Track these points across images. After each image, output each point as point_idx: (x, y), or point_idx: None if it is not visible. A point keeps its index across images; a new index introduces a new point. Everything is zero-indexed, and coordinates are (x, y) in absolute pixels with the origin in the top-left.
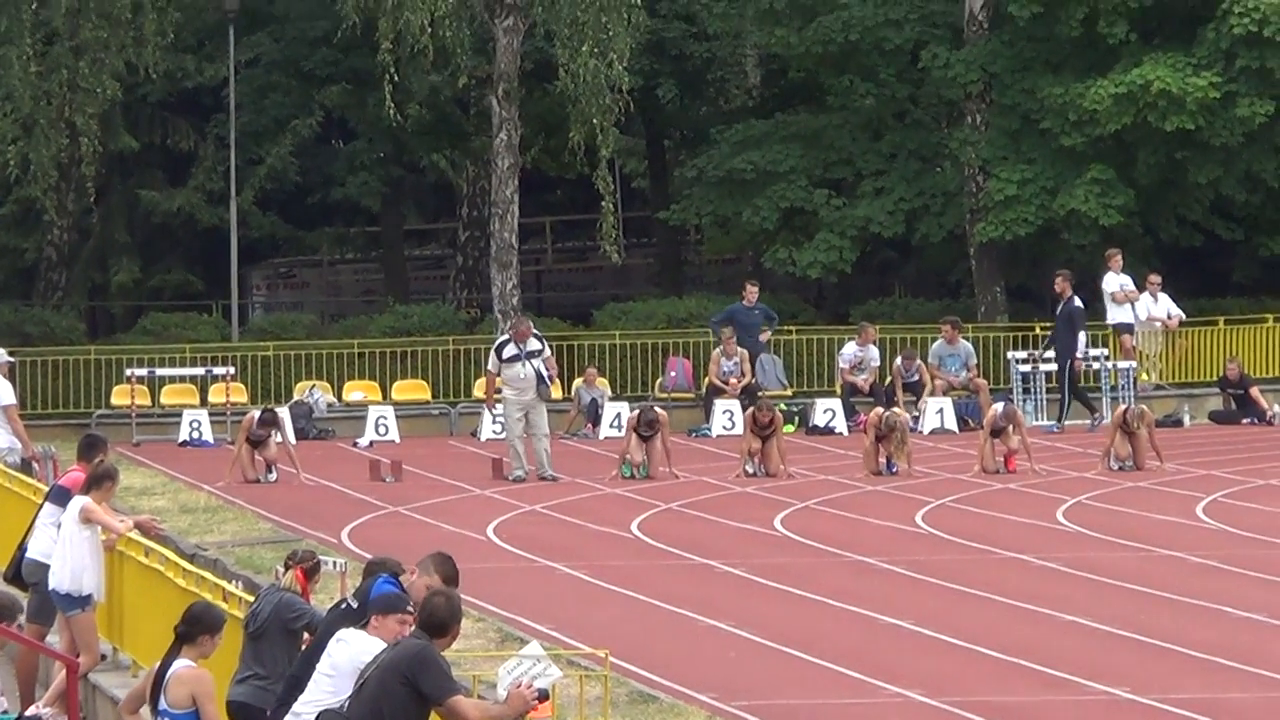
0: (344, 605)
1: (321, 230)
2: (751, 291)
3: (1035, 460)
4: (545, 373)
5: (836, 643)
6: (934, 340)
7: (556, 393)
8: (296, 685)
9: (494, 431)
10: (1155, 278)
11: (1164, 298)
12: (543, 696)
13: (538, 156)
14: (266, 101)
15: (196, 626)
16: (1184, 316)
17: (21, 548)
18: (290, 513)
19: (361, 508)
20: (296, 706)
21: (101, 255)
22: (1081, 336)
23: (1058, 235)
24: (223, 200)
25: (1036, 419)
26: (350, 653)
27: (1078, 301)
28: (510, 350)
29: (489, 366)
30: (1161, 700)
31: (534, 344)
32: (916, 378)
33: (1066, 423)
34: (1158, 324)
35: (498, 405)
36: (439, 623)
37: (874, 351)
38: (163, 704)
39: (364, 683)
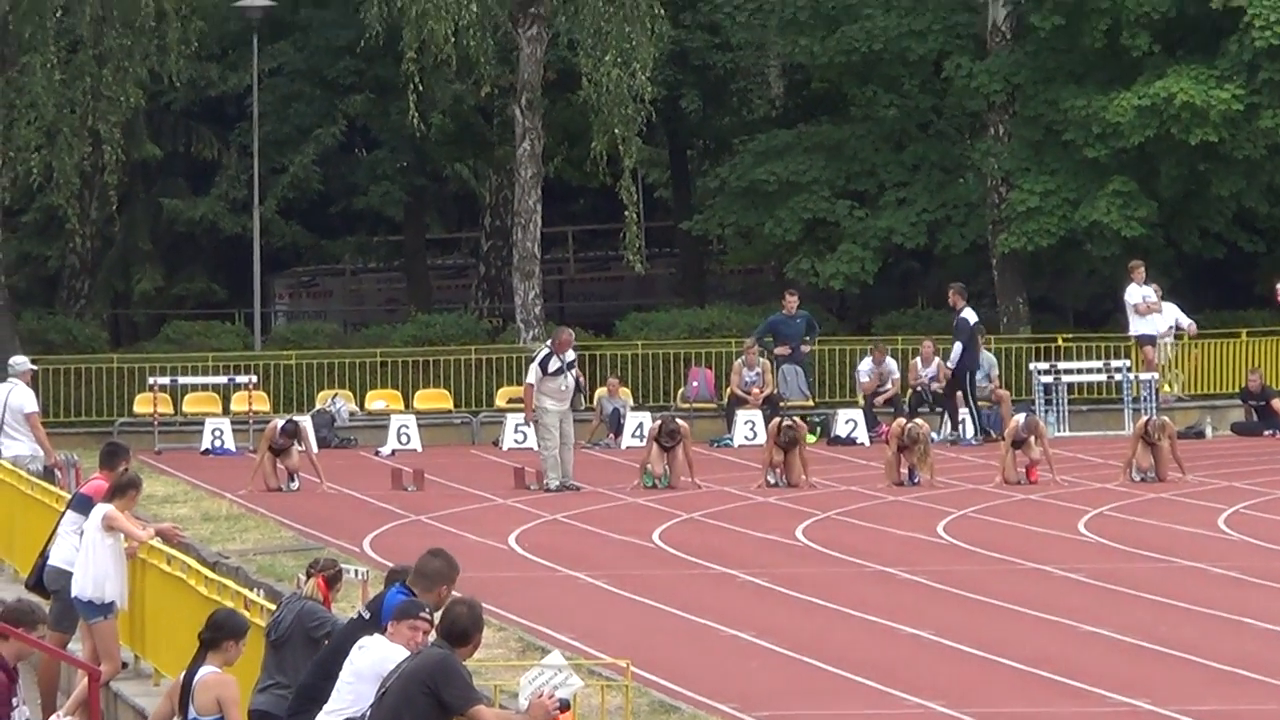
0: (356, 615)
1: (344, 239)
2: (791, 301)
3: (1057, 471)
4: (581, 383)
5: (858, 653)
6: None
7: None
8: (309, 695)
9: (516, 441)
10: (1154, 289)
11: (1169, 307)
12: (564, 706)
13: (560, 166)
14: (290, 110)
15: (221, 632)
16: (1194, 324)
17: (44, 555)
18: (312, 521)
19: (383, 516)
20: (320, 715)
21: (124, 263)
22: (957, 348)
23: (1080, 247)
24: (245, 209)
25: (1058, 430)
26: (372, 659)
27: (965, 313)
28: (554, 364)
29: (530, 380)
30: (1182, 712)
31: (571, 354)
32: (934, 373)
33: (1079, 433)
34: (1168, 339)
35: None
36: (461, 631)
37: (891, 365)
38: (191, 712)
39: (385, 691)
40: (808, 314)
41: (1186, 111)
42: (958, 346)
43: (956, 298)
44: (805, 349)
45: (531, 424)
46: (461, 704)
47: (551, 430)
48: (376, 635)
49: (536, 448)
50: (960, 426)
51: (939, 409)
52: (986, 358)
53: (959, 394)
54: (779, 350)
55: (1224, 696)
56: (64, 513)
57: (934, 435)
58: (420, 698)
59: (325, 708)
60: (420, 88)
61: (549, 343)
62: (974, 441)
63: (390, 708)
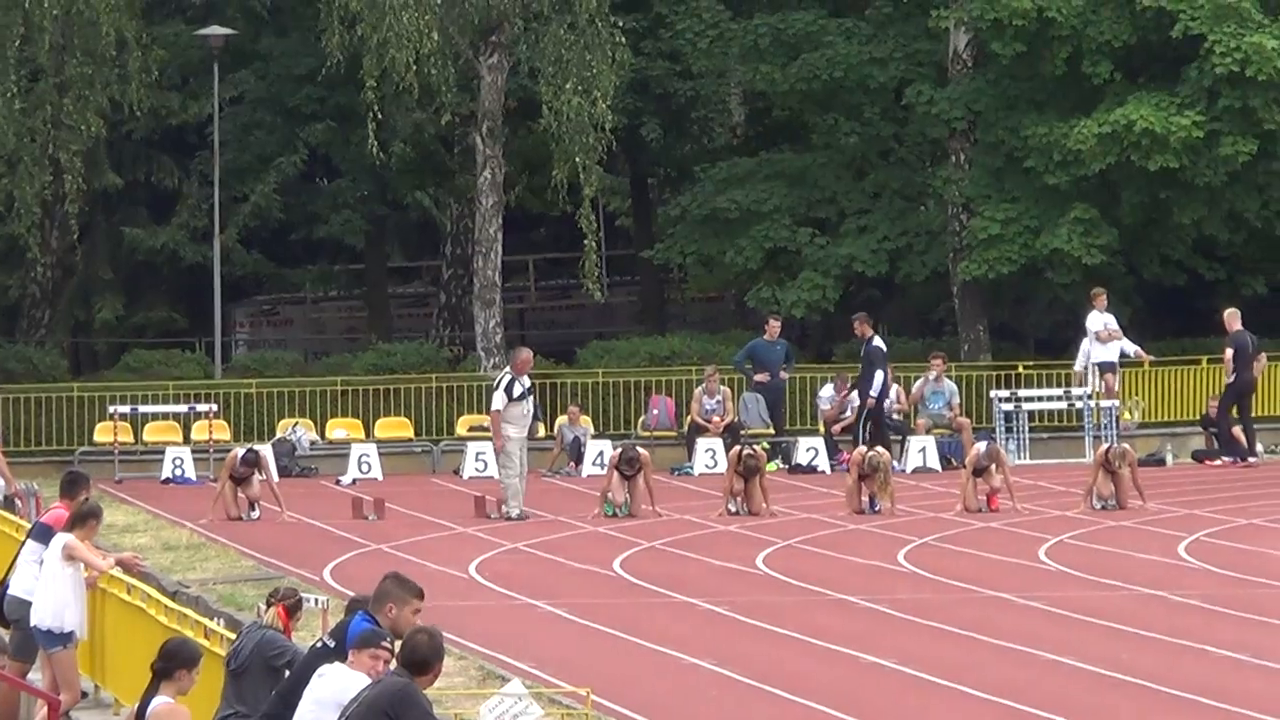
0: (320, 645)
1: (305, 268)
2: (774, 326)
3: (1018, 499)
4: (537, 409)
5: (819, 682)
6: (917, 378)
7: (539, 430)
8: None
9: (476, 469)
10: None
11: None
12: None
13: (521, 194)
14: (251, 139)
15: (173, 662)
16: (1140, 351)
17: (4, 584)
18: (273, 550)
19: (344, 545)
20: None
21: (85, 292)
22: (879, 376)
23: (1041, 274)
24: (206, 237)
25: (1019, 458)
26: (332, 688)
27: (877, 342)
28: (518, 388)
29: (496, 406)
30: None
31: (526, 380)
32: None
33: (1040, 461)
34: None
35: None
36: (420, 660)
37: (853, 396)
38: None
39: (346, 719)
40: (786, 342)
41: (1147, 138)
42: (879, 375)
43: (864, 326)
44: (784, 375)
45: (507, 451)
46: None
47: (513, 457)
48: (336, 664)
49: (498, 476)
50: (904, 454)
51: (897, 437)
52: (948, 385)
53: (860, 421)
54: (759, 376)
55: None
56: (24, 542)
57: (895, 465)
58: None
59: None
60: (380, 116)
61: (508, 366)
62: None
63: None
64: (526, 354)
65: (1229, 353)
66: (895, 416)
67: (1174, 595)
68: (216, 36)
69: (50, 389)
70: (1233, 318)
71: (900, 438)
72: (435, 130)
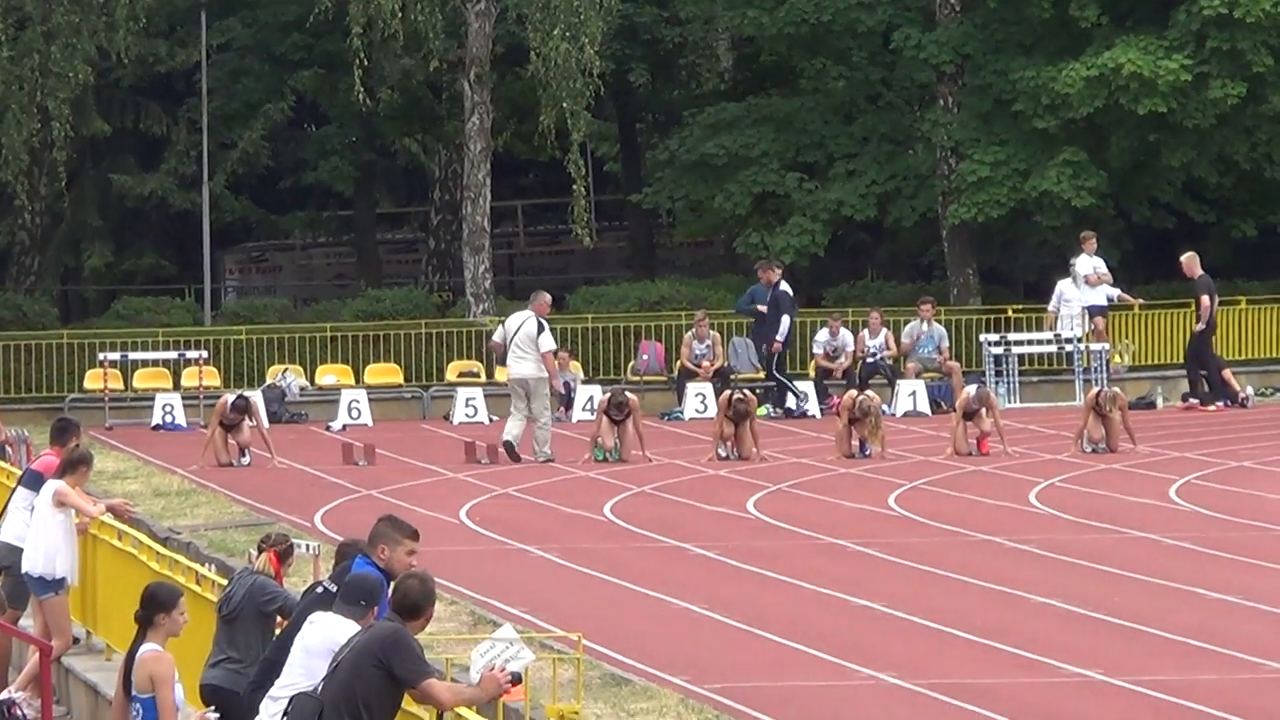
0: (320, 589)
1: (294, 214)
2: (771, 274)
3: (1008, 442)
4: None
5: (810, 625)
6: (907, 322)
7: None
8: (272, 669)
9: (466, 415)
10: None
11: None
12: (516, 680)
13: (510, 140)
14: (238, 86)
15: (151, 606)
16: (1121, 293)
17: None
18: (263, 496)
19: (334, 491)
20: (273, 690)
21: (74, 239)
22: (785, 321)
23: (1030, 217)
24: (195, 184)
25: (1009, 401)
26: (322, 635)
27: (784, 287)
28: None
29: (551, 346)
30: (1134, 682)
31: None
32: (880, 355)
33: (1030, 404)
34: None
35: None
36: (412, 605)
37: (846, 337)
38: (133, 690)
39: (337, 665)
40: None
41: (1135, 82)
42: (785, 320)
43: (768, 272)
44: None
45: (547, 393)
46: (413, 677)
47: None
48: (327, 612)
49: (540, 421)
50: (799, 398)
51: (888, 380)
52: (936, 329)
53: (771, 365)
54: (760, 307)
55: (1177, 667)
56: (14, 489)
57: (885, 409)
58: (371, 671)
59: (278, 681)
60: (366, 63)
61: (529, 310)
62: (798, 406)
63: (342, 682)
64: (547, 296)
65: (1205, 299)
66: (887, 361)
67: (1165, 538)
68: None
69: (40, 336)
70: (1193, 261)
71: (890, 382)
72: (423, 76)
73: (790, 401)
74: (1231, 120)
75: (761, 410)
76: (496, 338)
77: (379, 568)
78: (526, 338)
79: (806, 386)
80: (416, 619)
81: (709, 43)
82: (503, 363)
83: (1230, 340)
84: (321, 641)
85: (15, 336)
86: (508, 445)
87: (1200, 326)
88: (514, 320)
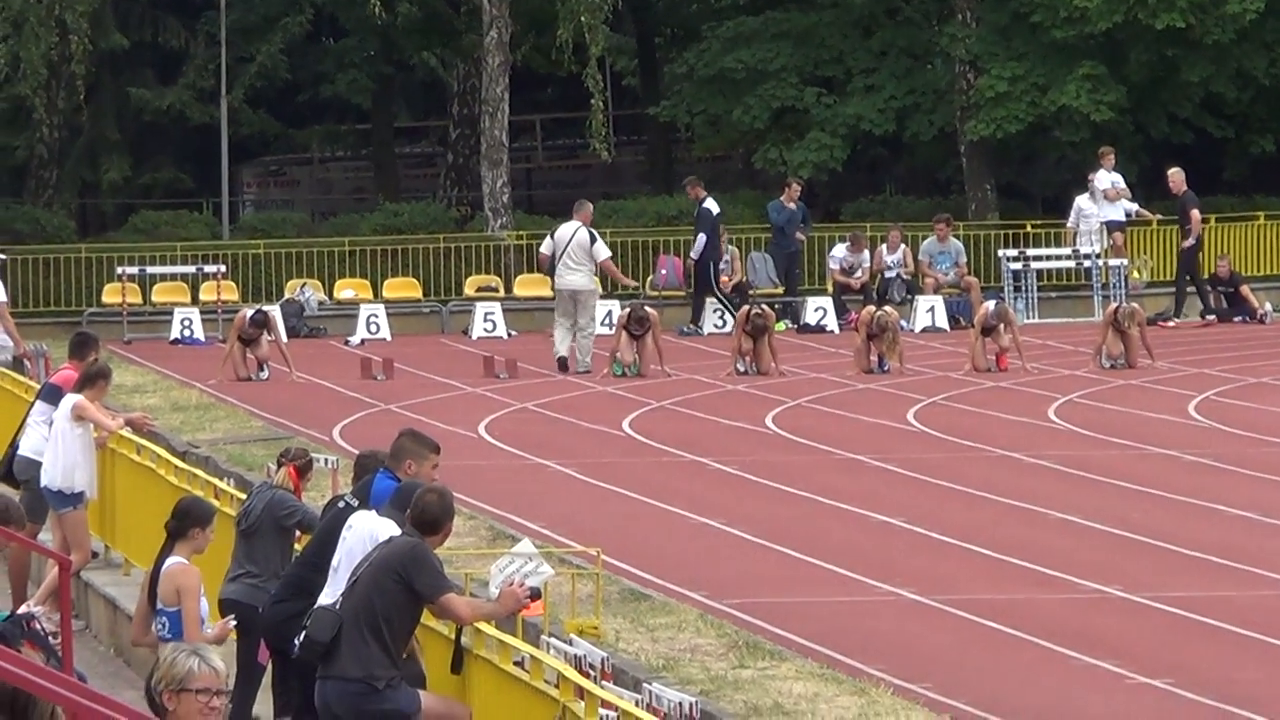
0: (341, 503)
1: (312, 128)
2: (794, 190)
3: (1027, 358)
4: None
5: (828, 540)
6: (925, 238)
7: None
8: (297, 585)
9: (485, 330)
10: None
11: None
12: (535, 595)
13: (528, 54)
14: None
15: (186, 520)
16: (1139, 208)
17: (13, 445)
18: (282, 410)
19: (353, 405)
20: (322, 600)
21: (92, 153)
22: (701, 239)
23: (1049, 132)
24: (213, 98)
25: (1028, 317)
26: (359, 534)
27: (708, 204)
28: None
29: (607, 254)
30: (1153, 598)
31: None
32: (898, 272)
33: (1049, 320)
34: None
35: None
36: (431, 520)
37: (865, 256)
38: (158, 603)
39: (356, 579)
40: (803, 206)
41: None
42: (700, 237)
43: (695, 189)
44: (801, 238)
45: (595, 304)
46: (432, 592)
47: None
48: (361, 512)
49: (585, 331)
50: (701, 320)
51: (907, 297)
52: (954, 245)
53: (706, 286)
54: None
55: (1196, 583)
56: (33, 403)
57: (903, 324)
58: (391, 585)
59: (326, 593)
60: None
61: (575, 218)
62: (699, 331)
63: (361, 596)
64: (590, 205)
65: (1195, 213)
66: (904, 276)
67: (1183, 454)
68: None
69: (58, 250)
70: (1179, 176)
71: (910, 296)
72: None
73: (705, 323)
74: (1250, 35)
75: (780, 325)
76: (545, 249)
77: (400, 482)
78: (580, 248)
79: (824, 302)
80: (435, 534)
81: None
82: (550, 274)
83: (1249, 256)
84: (359, 542)
85: (34, 250)
86: (561, 360)
87: (1190, 242)
88: (563, 231)
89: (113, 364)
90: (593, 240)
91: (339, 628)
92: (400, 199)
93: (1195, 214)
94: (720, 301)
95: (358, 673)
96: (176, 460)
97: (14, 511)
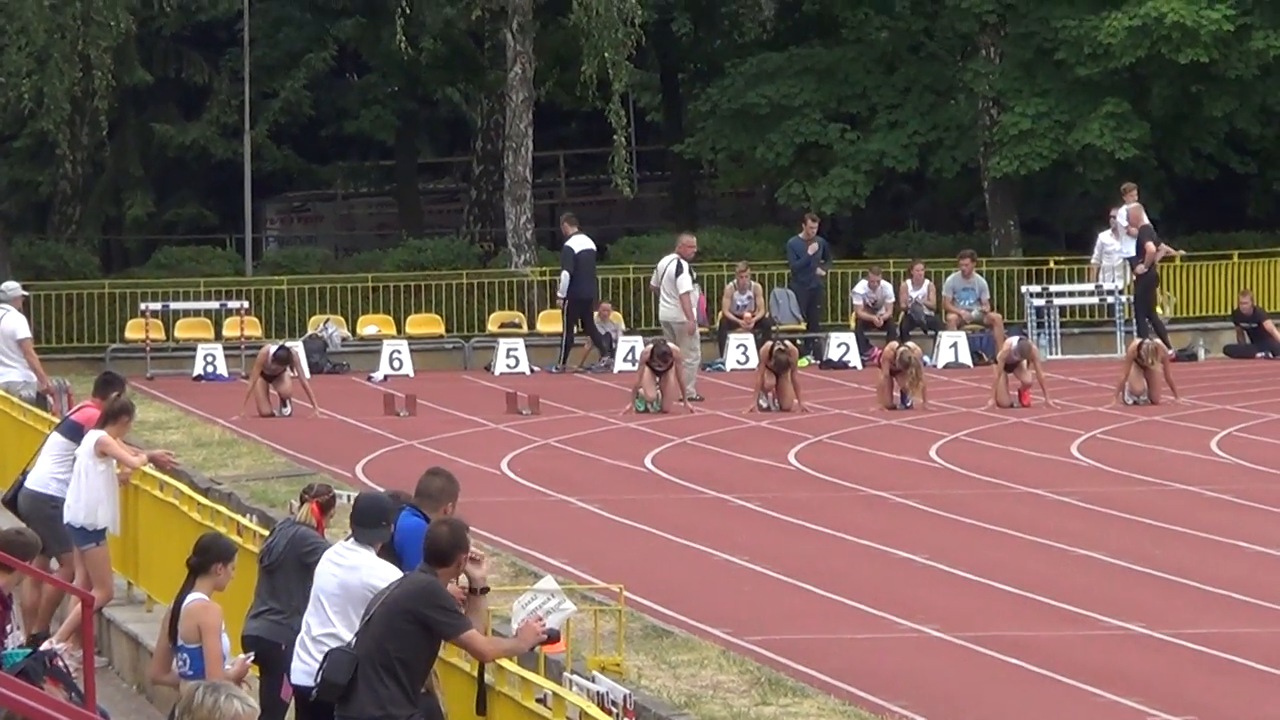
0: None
1: (335, 164)
2: (811, 226)
3: (1050, 394)
4: None
5: (851, 577)
6: (949, 274)
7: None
8: None
9: (508, 366)
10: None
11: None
12: (553, 637)
13: (552, 90)
14: (280, 35)
15: (208, 556)
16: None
17: (24, 474)
18: (305, 447)
19: (376, 441)
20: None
21: (115, 189)
22: (564, 276)
23: (1072, 169)
24: (236, 134)
25: (1051, 353)
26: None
27: (570, 242)
28: (691, 274)
29: (686, 288)
30: (1176, 635)
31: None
32: (927, 312)
33: (1072, 356)
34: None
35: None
36: (441, 552)
37: (887, 289)
38: (179, 640)
39: (370, 619)
40: (824, 241)
41: (1177, 31)
42: (565, 275)
43: (566, 226)
44: (821, 273)
45: (682, 336)
46: (451, 631)
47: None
48: (355, 549)
49: (685, 360)
50: (564, 357)
51: (929, 332)
52: (977, 281)
53: (571, 322)
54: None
55: (1218, 620)
56: (47, 436)
57: (926, 360)
58: (405, 625)
59: (313, 626)
60: (409, 11)
61: (675, 251)
62: (554, 370)
63: (376, 636)
64: (691, 238)
65: (1150, 245)
66: (927, 313)
67: (1206, 490)
68: None
69: (81, 286)
70: (1139, 211)
71: (932, 332)
72: (465, 25)
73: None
74: (1274, 71)
75: (803, 361)
76: (654, 282)
77: (425, 519)
78: (668, 280)
79: (847, 338)
80: (447, 565)
81: None
82: None
83: (1273, 291)
84: (360, 585)
85: (57, 286)
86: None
87: (1143, 269)
88: (662, 264)
89: (136, 400)
90: (679, 272)
91: (355, 668)
92: (423, 235)
93: (1150, 246)
94: (567, 341)
95: (375, 712)
96: (199, 497)
97: (34, 544)
